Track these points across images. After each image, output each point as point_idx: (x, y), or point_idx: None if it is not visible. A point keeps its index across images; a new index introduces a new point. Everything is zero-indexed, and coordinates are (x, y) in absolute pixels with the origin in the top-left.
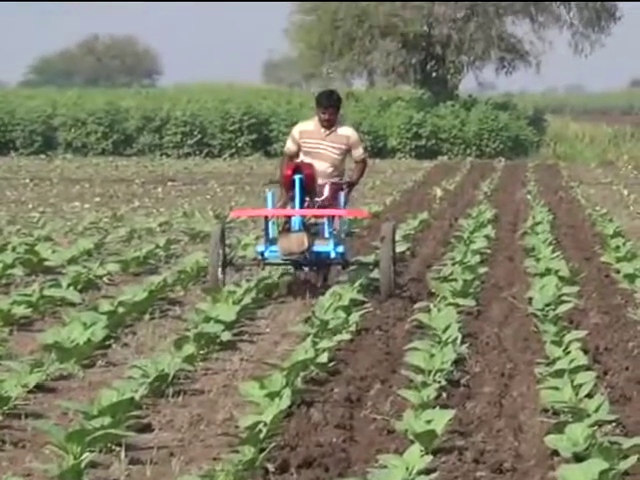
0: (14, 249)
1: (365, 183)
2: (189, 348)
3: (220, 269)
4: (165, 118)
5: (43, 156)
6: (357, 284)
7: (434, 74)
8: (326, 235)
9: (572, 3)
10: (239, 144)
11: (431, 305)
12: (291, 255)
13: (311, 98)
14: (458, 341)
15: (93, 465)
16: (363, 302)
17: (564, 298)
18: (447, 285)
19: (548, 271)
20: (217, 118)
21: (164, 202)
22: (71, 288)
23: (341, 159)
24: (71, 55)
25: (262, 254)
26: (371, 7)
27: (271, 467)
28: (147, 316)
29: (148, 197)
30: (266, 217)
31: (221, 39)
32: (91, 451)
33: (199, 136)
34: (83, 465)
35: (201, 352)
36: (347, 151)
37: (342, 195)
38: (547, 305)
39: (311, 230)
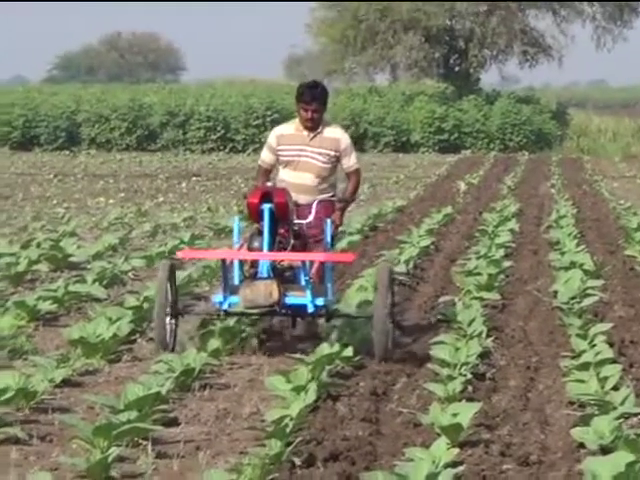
0: (39, 245)
1: (389, 178)
2: (215, 343)
3: (168, 319)
4: (189, 113)
5: (67, 152)
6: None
7: (457, 68)
8: (302, 283)
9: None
10: (263, 139)
11: (456, 299)
12: (257, 308)
13: (332, 93)
14: (483, 335)
15: (120, 459)
16: None
17: (589, 291)
18: (472, 279)
19: (573, 264)
20: (240, 113)
21: (188, 197)
22: (96, 284)
23: (329, 168)
24: (94, 51)
25: (220, 305)
26: (394, 4)
27: (297, 461)
28: None
29: (172, 192)
30: (223, 260)
31: (243, 35)
32: (118, 445)
33: (223, 131)
34: (110, 459)
35: (227, 346)
36: (337, 158)
37: (329, 223)
38: (572, 298)
39: (286, 275)
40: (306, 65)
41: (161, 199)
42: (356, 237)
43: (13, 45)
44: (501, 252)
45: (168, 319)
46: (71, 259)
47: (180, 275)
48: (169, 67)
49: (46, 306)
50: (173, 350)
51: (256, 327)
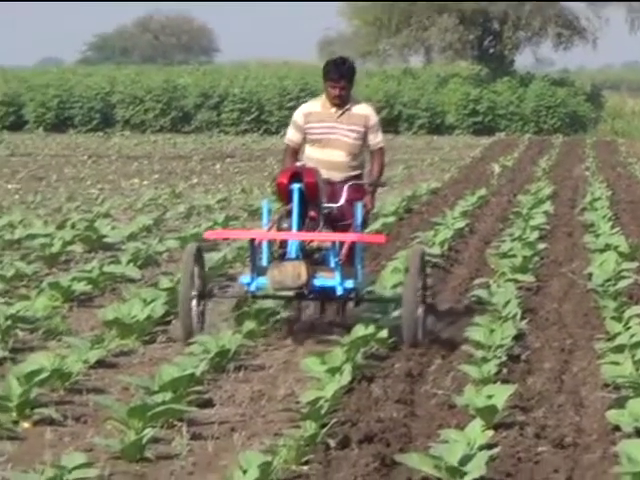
0: (73, 226)
1: (423, 160)
2: (249, 324)
3: (195, 302)
4: (223, 95)
5: (101, 133)
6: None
7: (491, 50)
8: (331, 265)
9: None
10: None
11: (491, 281)
12: (285, 290)
13: (364, 76)
14: (518, 317)
15: (155, 440)
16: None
17: (624, 274)
18: (506, 261)
19: (607, 247)
20: (274, 95)
21: (222, 179)
22: (131, 264)
23: (360, 145)
24: (128, 33)
25: (248, 286)
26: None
27: (332, 442)
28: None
29: (206, 174)
30: (252, 240)
31: (277, 17)
32: (153, 426)
33: (257, 113)
34: (145, 440)
35: (261, 328)
36: (365, 134)
37: (360, 206)
38: (607, 281)
39: (315, 257)
40: (340, 46)
41: (195, 180)
42: (391, 219)
43: (48, 26)
44: (535, 234)
45: (195, 302)
46: (105, 240)
47: (214, 257)
48: (202, 49)
49: (80, 287)
50: (202, 332)
51: (287, 310)
